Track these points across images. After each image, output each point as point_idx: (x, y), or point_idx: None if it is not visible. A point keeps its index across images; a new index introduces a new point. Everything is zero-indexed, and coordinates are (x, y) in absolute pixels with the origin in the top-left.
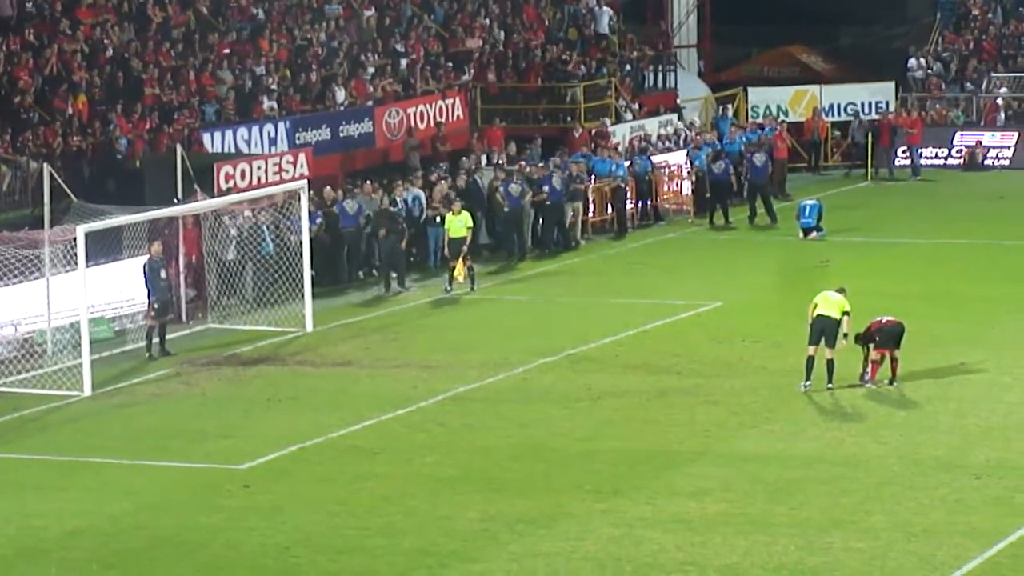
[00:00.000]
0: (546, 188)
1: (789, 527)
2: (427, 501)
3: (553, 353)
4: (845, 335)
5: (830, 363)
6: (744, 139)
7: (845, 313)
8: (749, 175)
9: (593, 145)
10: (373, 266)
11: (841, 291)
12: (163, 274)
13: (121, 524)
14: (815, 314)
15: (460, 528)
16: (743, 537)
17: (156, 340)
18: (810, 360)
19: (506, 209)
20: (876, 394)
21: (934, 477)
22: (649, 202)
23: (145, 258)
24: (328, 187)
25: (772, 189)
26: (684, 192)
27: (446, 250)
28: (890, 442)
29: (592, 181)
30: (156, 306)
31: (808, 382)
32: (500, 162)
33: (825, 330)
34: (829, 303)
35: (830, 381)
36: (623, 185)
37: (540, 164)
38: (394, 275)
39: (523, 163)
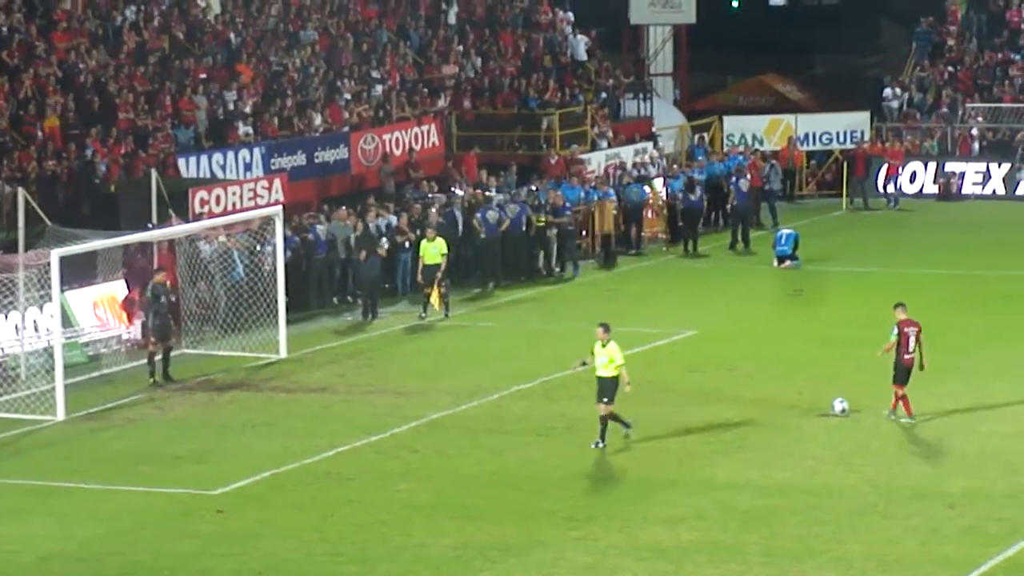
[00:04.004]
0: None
1: (762, 556)
2: (401, 528)
3: (527, 380)
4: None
5: (605, 419)
6: (722, 167)
7: (620, 367)
8: (735, 201)
9: (568, 173)
10: (349, 293)
11: (605, 327)
12: (163, 299)
13: (94, 549)
14: (596, 374)
15: (434, 555)
16: (716, 566)
17: (160, 361)
18: (603, 418)
19: (483, 236)
20: (849, 423)
21: (908, 506)
22: (633, 231)
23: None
24: (309, 213)
25: (752, 217)
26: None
27: (420, 277)
28: (864, 471)
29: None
30: (152, 331)
31: (602, 443)
32: (466, 190)
33: (604, 388)
34: (604, 365)
35: (602, 440)
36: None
37: (512, 192)
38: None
39: (491, 191)
